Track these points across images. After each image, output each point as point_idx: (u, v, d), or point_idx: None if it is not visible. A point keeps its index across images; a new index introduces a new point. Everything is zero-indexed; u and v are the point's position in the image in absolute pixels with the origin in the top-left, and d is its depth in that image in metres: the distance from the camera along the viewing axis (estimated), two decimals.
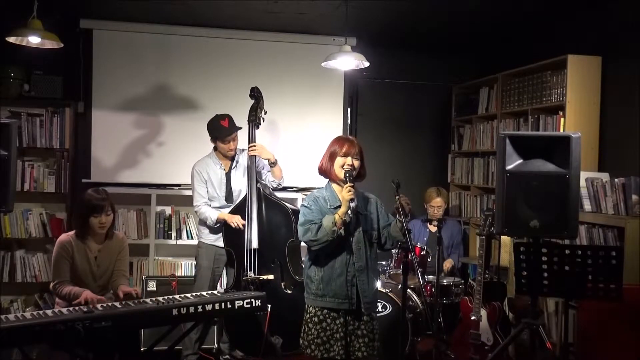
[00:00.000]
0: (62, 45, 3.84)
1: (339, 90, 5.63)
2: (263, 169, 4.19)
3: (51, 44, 3.77)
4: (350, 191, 2.89)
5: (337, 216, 2.90)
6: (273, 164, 4.10)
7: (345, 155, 3.01)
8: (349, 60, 4.19)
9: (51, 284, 3.46)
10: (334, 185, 3.09)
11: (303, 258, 4.13)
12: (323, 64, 4.24)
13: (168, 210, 5.30)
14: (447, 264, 4.87)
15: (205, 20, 5.15)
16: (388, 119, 6.00)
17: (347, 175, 2.96)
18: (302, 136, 5.50)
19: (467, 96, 5.91)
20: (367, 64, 4.22)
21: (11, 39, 3.72)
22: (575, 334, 3.69)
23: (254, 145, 4.05)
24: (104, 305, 2.99)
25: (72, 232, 3.47)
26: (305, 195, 5.27)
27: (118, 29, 5.20)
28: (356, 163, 3.03)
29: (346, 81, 5.64)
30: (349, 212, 2.87)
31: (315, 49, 5.28)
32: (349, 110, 5.79)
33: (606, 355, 3.34)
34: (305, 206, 3.06)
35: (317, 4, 4.57)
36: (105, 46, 5.19)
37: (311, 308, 3.06)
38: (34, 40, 3.69)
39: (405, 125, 6.04)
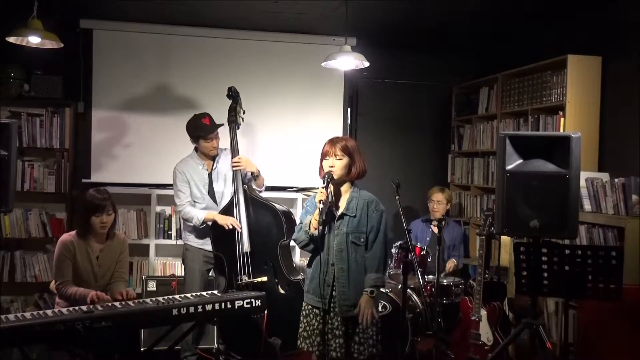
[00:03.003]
0: (62, 45, 3.84)
1: (339, 90, 5.62)
2: (246, 176, 4.11)
3: (51, 44, 3.77)
4: (321, 192, 2.89)
5: (312, 217, 2.95)
6: (257, 176, 4.06)
7: (325, 156, 3.02)
8: (349, 60, 4.19)
9: (53, 284, 3.46)
10: (331, 187, 3.08)
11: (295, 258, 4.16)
12: (323, 64, 4.24)
13: (168, 210, 5.29)
14: (450, 264, 4.86)
15: (205, 20, 5.15)
16: (388, 119, 6.00)
17: (326, 176, 2.96)
18: (302, 136, 5.50)
19: (467, 96, 5.91)
20: (367, 64, 4.22)
21: (11, 39, 3.71)
22: (575, 334, 3.69)
23: (239, 160, 3.98)
24: (104, 305, 2.99)
25: (73, 232, 3.46)
26: (305, 195, 5.30)
27: (118, 29, 5.19)
28: (337, 162, 2.99)
29: (346, 81, 5.64)
30: (323, 214, 2.86)
31: (315, 49, 5.28)
32: (349, 110, 5.79)
33: (606, 355, 3.34)
34: (304, 207, 3.18)
35: (317, 4, 4.57)
36: (105, 46, 5.19)
37: (304, 303, 3.16)
38: (34, 40, 3.69)
39: (405, 125, 6.04)
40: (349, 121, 5.81)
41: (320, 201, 2.87)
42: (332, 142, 3.04)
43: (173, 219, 5.27)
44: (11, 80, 4.93)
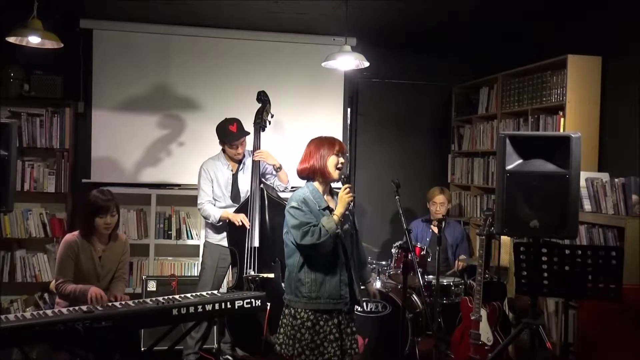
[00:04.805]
0: (62, 45, 3.84)
1: (339, 90, 5.62)
2: (270, 173, 4.22)
3: (51, 44, 3.77)
4: (349, 192, 2.89)
5: (335, 217, 2.88)
6: (278, 169, 4.14)
7: (341, 153, 3.01)
8: (349, 60, 4.19)
9: (53, 283, 3.46)
10: (317, 185, 3.05)
11: None
12: (323, 64, 4.24)
13: (168, 210, 5.30)
14: (461, 261, 4.85)
15: (206, 20, 5.15)
16: (388, 119, 6.00)
17: (343, 176, 2.96)
18: (302, 136, 5.41)
19: (467, 96, 5.91)
20: (367, 64, 4.22)
21: (11, 39, 3.71)
22: (575, 334, 3.69)
23: (260, 151, 4.10)
24: (104, 305, 2.99)
25: (77, 232, 3.47)
26: None
27: (118, 29, 5.19)
28: (343, 161, 3.04)
29: (346, 81, 5.64)
30: (346, 212, 2.89)
31: (315, 49, 5.28)
32: (349, 110, 5.79)
33: (606, 355, 3.33)
34: (297, 207, 2.92)
35: (317, 4, 4.57)
36: (105, 46, 5.19)
37: (302, 313, 2.96)
38: (34, 40, 3.69)
39: (405, 125, 6.04)
40: (349, 121, 5.81)
41: (352, 201, 2.90)
42: (340, 141, 3.06)
43: (173, 219, 5.27)
44: (11, 80, 4.93)
